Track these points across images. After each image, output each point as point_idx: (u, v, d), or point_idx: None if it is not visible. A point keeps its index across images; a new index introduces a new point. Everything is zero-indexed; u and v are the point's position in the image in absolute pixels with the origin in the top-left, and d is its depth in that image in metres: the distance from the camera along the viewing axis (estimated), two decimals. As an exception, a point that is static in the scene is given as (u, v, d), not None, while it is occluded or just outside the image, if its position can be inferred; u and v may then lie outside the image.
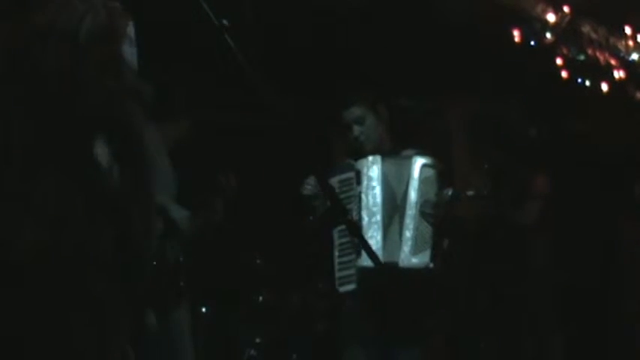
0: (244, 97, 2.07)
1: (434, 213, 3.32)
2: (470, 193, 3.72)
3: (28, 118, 1.92)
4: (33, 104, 1.93)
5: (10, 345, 1.83)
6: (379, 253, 3.19)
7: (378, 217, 3.29)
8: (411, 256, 3.28)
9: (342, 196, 3.34)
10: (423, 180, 3.40)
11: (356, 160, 3.48)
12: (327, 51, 5.01)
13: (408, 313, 3.33)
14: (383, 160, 3.39)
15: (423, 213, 3.34)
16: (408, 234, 3.32)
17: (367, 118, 3.52)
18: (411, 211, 3.34)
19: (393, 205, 3.36)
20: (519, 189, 4.81)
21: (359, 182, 3.36)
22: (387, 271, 3.19)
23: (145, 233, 1.95)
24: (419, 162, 3.42)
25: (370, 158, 3.38)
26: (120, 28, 2.01)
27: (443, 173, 3.47)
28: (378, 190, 3.34)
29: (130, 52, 2.03)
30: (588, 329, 5.09)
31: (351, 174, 3.41)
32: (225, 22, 2.00)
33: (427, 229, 3.34)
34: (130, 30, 2.05)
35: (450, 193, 3.47)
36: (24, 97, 1.93)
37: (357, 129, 3.50)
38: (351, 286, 3.21)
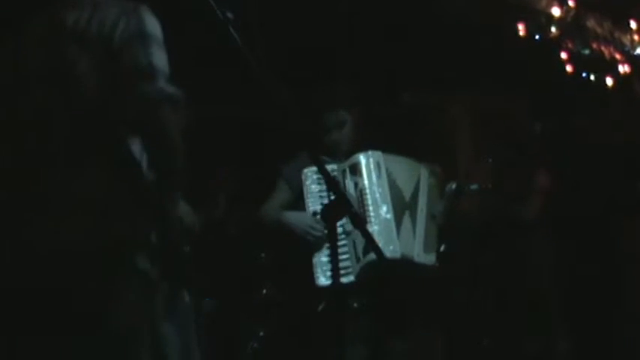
0: (247, 90, 2.07)
1: (442, 216, 3.36)
2: (473, 187, 3.73)
3: (66, 115, 1.95)
4: (70, 102, 1.95)
5: (70, 321, 1.86)
6: (396, 246, 3.17)
7: (390, 211, 3.26)
8: (424, 253, 3.30)
9: (320, 187, 3.29)
10: (430, 185, 3.42)
11: (332, 156, 3.42)
12: (323, 49, 4.98)
13: (413, 307, 3.34)
14: (384, 155, 3.37)
15: (432, 216, 3.36)
16: (420, 232, 3.32)
17: (347, 123, 3.50)
18: (422, 212, 3.35)
19: (402, 201, 3.34)
20: (522, 184, 4.80)
21: (358, 174, 3.30)
22: (404, 265, 3.19)
23: (176, 224, 2.00)
24: (427, 168, 3.44)
25: (370, 152, 3.34)
26: (151, 32, 2.02)
27: (444, 181, 3.50)
28: (385, 184, 3.30)
29: (160, 55, 2.03)
30: (590, 328, 5.08)
31: (333, 166, 3.35)
32: (229, 15, 2.00)
33: (434, 232, 3.36)
34: (159, 33, 2.06)
35: (453, 187, 3.49)
36: (61, 95, 1.95)
37: (336, 133, 3.48)
38: (348, 278, 3.16)
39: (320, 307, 3.21)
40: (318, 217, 3.20)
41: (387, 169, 3.33)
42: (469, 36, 4.97)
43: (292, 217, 3.34)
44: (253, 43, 2.00)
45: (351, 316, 3.20)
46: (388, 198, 3.27)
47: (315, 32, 4.89)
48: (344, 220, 3.16)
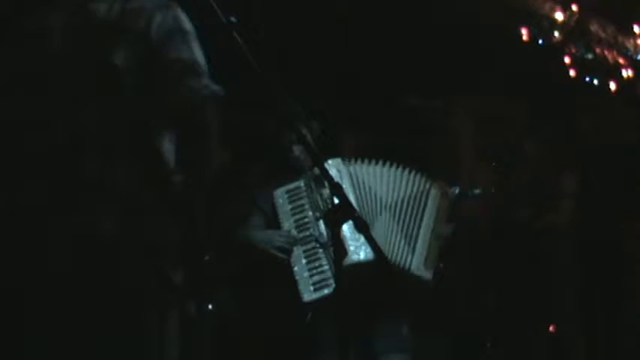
0: (250, 94, 2.07)
1: (446, 239, 3.34)
2: (477, 191, 3.72)
3: (98, 109, 1.89)
4: (107, 92, 1.90)
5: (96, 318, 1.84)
6: (367, 247, 3.11)
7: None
8: (423, 268, 3.27)
9: (292, 205, 3.31)
10: (440, 205, 3.39)
11: (296, 173, 3.39)
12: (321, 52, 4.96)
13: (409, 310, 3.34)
14: (344, 160, 3.35)
15: (438, 235, 3.33)
16: (421, 245, 3.29)
17: (307, 137, 3.49)
18: (428, 227, 3.32)
19: (374, 202, 3.31)
20: (546, 189, 4.79)
21: (322, 185, 3.25)
22: (398, 272, 3.17)
23: (203, 228, 1.97)
24: (439, 188, 3.40)
25: (330, 161, 3.31)
26: (188, 28, 2.00)
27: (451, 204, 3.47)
28: (349, 189, 3.27)
29: (200, 52, 2.01)
30: (594, 329, 5.08)
31: (299, 183, 3.33)
32: (232, 19, 2.00)
33: (436, 250, 3.33)
34: (193, 30, 2.02)
35: (456, 191, 3.47)
36: (97, 84, 1.90)
37: (297, 149, 3.46)
38: (328, 290, 3.12)
39: (308, 318, 3.20)
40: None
41: (350, 174, 3.31)
42: (473, 40, 4.97)
43: (257, 235, 3.36)
44: (257, 48, 1.99)
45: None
46: (355, 204, 3.22)
47: (313, 36, 4.89)
48: (317, 233, 3.23)
